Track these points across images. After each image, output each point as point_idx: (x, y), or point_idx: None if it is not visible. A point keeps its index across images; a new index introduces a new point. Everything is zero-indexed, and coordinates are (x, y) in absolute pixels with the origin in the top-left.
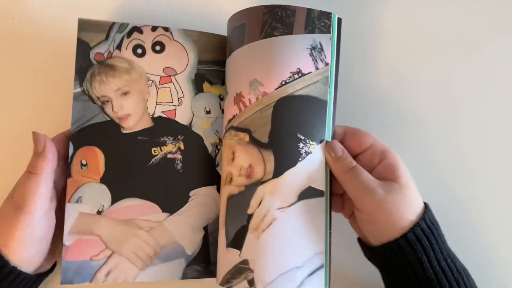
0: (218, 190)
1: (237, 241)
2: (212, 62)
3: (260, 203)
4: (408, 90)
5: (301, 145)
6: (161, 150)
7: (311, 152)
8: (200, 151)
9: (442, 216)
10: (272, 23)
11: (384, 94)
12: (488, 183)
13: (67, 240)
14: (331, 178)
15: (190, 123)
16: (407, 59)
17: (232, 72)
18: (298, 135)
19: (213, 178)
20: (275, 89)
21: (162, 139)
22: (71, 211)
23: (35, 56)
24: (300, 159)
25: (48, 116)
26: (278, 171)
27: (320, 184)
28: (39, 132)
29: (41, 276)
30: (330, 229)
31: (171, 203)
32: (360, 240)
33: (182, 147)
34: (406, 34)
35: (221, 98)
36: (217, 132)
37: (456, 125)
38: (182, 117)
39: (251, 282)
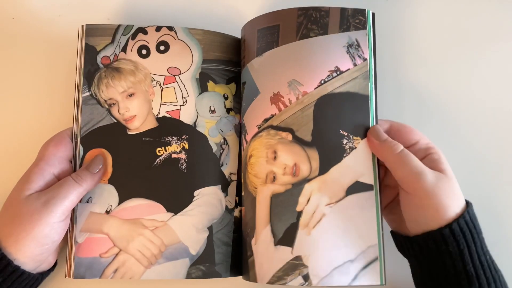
0: (223, 189)
1: (287, 239)
2: (217, 61)
3: (308, 200)
4: (407, 90)
5: (344, 141)
6: (165, 150)
7: (355, 147)
8: (205, 150)
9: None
10: (308, 24)
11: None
12: None
13: (79, 237)
14: (379, 170)
15: (195, 123)
16: (409, 58)
17: (265, 72)
18: (341, 131)
19: (217, 178)
20: (315, 88)
21: (166, 139)
22: (82, 211)
23: (35, 56)
24: (344, 154)
25: (48, 116)
26: (324, 168)
27: (368, 178)
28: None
29: (42, 274)
30: (382, 222)
31: (176, 203)
32: (393, 233)
33: (186, 146)
34: (406, 33)
35: (226, 97)
36: (222, 131)
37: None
38: (186, 117)
39: (306, 277)
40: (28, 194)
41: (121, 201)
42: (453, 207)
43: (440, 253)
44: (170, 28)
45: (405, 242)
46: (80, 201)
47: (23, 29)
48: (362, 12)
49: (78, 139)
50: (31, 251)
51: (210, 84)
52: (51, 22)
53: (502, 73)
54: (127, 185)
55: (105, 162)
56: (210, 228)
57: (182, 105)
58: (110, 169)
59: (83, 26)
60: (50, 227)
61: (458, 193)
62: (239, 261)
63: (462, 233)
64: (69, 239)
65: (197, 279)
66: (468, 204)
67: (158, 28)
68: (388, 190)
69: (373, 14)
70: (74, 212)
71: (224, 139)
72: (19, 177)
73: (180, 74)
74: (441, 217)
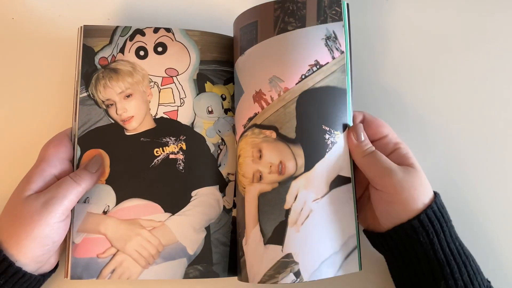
0: (221, 190)
1: (277, 237)
2: (214, 62)
3: (295, 198)
4: (406, 89)
5: (327, 136)
6: (163, 151)
7: (336, 142)
8: (203, 151)
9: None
10: (285, 18)
11: (381, 92)
12: (493, 181)
13: (76, 238)
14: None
15: (192, 123)
16: (406, 59)
17: (248, 71)
18: (323, 126)
19: (215, 178)
20: (296, 83)
21: (164, 139)
22: (80, 211)
23: (35, 56)
24: (327, 150)
25: (48, 116)
26: (309, 165)
27: (347, 171)
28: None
29: (44, 276)
30: (356, 211)
31: (173, 203)
32: (366, 232)
33: (184, 147)
34: (406, 33)
35: (223, 98)
36: (220, 131)
37: (459, 123)
38: (184, 117)
39: (297, 274)
40: (28, 194)
41: (118, 201)
42: (422, 199)
43: (412, 243)
44: (168, 30)
45: (378, 238)
46: (78, 202)
47: (23, 29)
48: (338, 3)
49: (76, 139)
50: (33, 252)
51: (208, 85)
52: (51, 22)
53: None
54: (125, 186)
55: (103, 161)
56: (207, 228)
57: (180, 106)
58: (107, 170)
59: (81, 27)
60: (51, 227)
61: (426, 185)
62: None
63: (431, 223)
64: (68, 239)
65: (195, 279)
66: (436, 194)
67: (156, 30)
68: (358, 187)
69: (347, 4)
70: (72, 212)
71: (222, 139)
72: (18, 177)
73: (177, 75)
74: (411, 209)
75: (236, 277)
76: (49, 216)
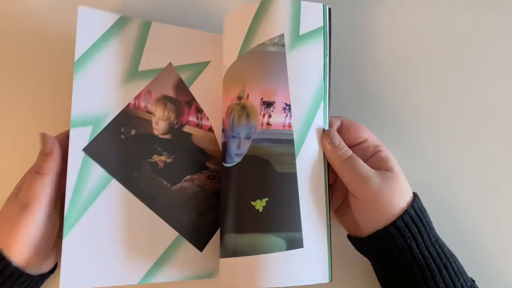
0: None
1: None
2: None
3: None
4: (406, 89)
5: None
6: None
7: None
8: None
9: (434, 209)
10: None
11: (381, 92)
12: (482, 181)
13: None
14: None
15: None
16: (404, 57)
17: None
18: None
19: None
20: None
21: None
22: None
23: (35, 56)
24: None
25: (48, 116)
26: None
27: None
28: (46, 133)
29: (42, 276)
30: (330, 220)
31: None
32: (349, 237)
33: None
34: (404, 32)
35: None
36: None
37: (452, 124)
38: None
39: None
40: (13, 197)
41: None
42: (399, 204)
43: (390, 248)
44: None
45: (360, 244)
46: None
47: (23, 29)
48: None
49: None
50: (24, 254)
51: None
52: (51, 22)
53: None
54: None
55: (52, 138)
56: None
57: None
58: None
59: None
60: (35, 227)
61: (405, 189)
62: None
63: (407, 227)
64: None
65: (195, 280)
66: (415, 197)
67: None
68: (339, 193)
69: (329, 9)
70: (62, 201)
71: None
72: (18, 177)
73: None
74: (388, 215)
75: None
76: (31, 217)
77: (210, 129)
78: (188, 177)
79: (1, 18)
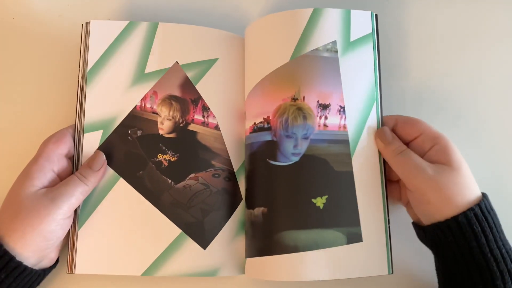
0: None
1: None
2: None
3: None
4: (406, 89)
5: None
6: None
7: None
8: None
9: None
10: None
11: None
12: None
13: None
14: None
15: None
16: (415, 58)
17: None
18: None
19: None
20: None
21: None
22: None
23: (35, 56)
24: None
25: (49, 116)
26: None
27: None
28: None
29: (45, 271)
30: (388, 215)
31: None
32: (413, 223)
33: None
34: (409, 33)
35: None
36: None
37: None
38: None
39: None
40: (33, 190)
41: None
42: (459, 199)
43: (449, 243)
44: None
45: (420, 232)
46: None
47: (23, 29)
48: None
49: (82, 136)
50: (37, 246)
51: None
52: (51, 22)
53: (506, 71)
54: None
55: (105, 159)
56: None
57: None
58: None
59: (87, 23)
60: (56, 223)
61: (466, 184)
62: None
63: (470, 225)
64: (71, 235)
65: (195, 277)
66: (484, 196)
67: None
68: (402, 186)
69: (376, 15)
70: (77, 210)
71: None
72: (18, 174)
73: None
74: (445, 210)
75: (236, 276)
76: (56, 213)
77: (216, 127)
78: (192, 175)
79: (1, 18)
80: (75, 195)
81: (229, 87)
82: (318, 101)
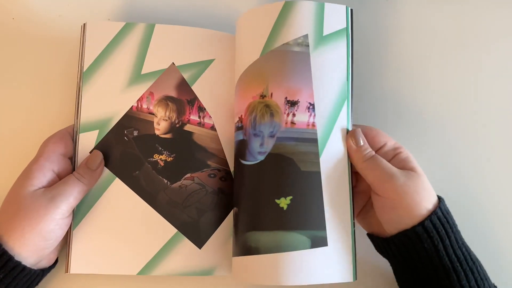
0: None
1: None
2: None
3: None
4: (406, 90)
5: None
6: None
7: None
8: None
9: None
10: None
11: (384, 94)
12: (497, 181)
13: None
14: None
15: None
16: (408, 59)
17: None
18: None
19: None
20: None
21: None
22: None
23: (35, 56)
24: None
25: (49, 116)
26: None
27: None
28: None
29: (43, 270)
30: (354, 219)
31: None
32: (370, 235)
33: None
34: (407, 33)
35: None
36: None
37: (463, 122)
38: None
39: None
40: (32, 190)
41: None
42: (425, 204)
43: (417, 250)
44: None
45: (382, 244)
46: None
47: (23, 29)
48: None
49: (78, 136)
50: (36, 245)
51: None
52: (51, 22)
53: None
54: None
55: (102, 158)
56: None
57: None
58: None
59: (84, 24)
60: (55, 222)
61: (429, 190)
62: None
63: (436, 229)
64: (69, 235)
65: (193, 276)
66: (440, 199)
67: None
68: (361, 196)
69: (351, 10)
70: (73, 211)
71: None
72: (18, 174)
73: None
74: (414, 215)
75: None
76: (55, 212)
77: (212, 127)
78: (188, 175)
79: (1, 18)
80: (74, 195)
81: (225, 88)
82: (286, 98)
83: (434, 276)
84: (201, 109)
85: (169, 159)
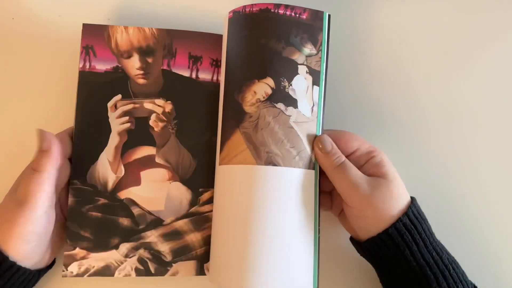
0: None
1: None
2: None
3: None
4: (407, 90)
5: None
6: None
7: None
8: None
9: (436, 213)
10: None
11: (382, 94)
12: (479, 182)
13: None
14: (320, 175)
15: None
16: (404, 60)
17: None
18: None
19: None
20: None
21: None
22: None
23: (35, 56)
24: None
25: (49, 116)
26: None
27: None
28: (44, 130)
29: (40, 271)
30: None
31: None
32: (352, 239)
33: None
34: (405, 34)
35: None
36: None
37: (449, 126)
38: None
39: None
40: (11, 194)
41: None
42: (391, 211)
43: (385, 255)
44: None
45: (358, 248)
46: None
47: (23, 29)
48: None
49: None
50: (21, 250)
51: None
52: (51, 22)
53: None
54: None
55: (50, 134)
56: None
57: None
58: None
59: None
60: (31, 223)
61: (399, 195)
62: None
63: (400, 236)
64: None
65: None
66: (412, 201)
67: None
68: (339, 198)
69: (329, 16)
70: (62, 195)
71: None
72: (19, 174)
73: None
74: (379, 223)
75: None
76: (28, 213)
77: None
78: None
79: (1, 18)
80: (35, 186)
81: None
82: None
83: (406, 280)
84: None
85: None
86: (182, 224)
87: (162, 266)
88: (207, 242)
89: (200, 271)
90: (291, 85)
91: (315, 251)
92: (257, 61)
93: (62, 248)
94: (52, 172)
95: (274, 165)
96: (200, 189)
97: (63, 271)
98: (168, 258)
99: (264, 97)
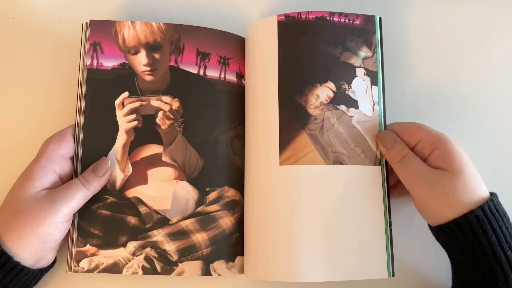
0: None
1: None
2: None
3: None
4: (407, 91)
5: None
6: None
7: None
8: None
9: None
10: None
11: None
12: None
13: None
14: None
15: None
16: (410, 59)
17: None
18: None
19: None
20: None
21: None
22: None
23: (35, 56)
24: None
25: (49, 116)
26: None
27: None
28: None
29: (42, 270)
30: (390, 217)
31: None
32: (429, 224)
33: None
34: (407, 34)
35: None
36: None
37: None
38: None
39: None
40: (34, 191)
41: None
42: (459, 204)
43: (453, 244)
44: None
45: (432, 232)
46: None
47: (23, 29)
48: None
49: (81, 135)
50: (34, 247)
51: None
52: (51, 22)
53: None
54: None
55: (110, 165)
56: None
57: None
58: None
59: (87, 22)
60: (55, 225)
61: (467, 187)
62: None
63: (471, 228)
64: (71, 235)
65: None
66: (491, 196)
67: None
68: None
69: (380, 18)
70: (75, 214)
71: None
72: (19, 174)
73: None
74: (444, 215)
75: (235, 276)
76: (55, 215)
77: None
78: None
79: (1, 18)
80: (76, 199)
81: None
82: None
83: (471, 271)
84: None
85: None
86: (188, 223)
87: (168, 265)
88: (213, 242)
89: (206, 271)
90: (351, 87)
91: (387, 242)
92: (318, 66)
93: (63, 247)
94: (94, 192)
95: (341, 163)
96: (207, 189)
97: (75, 266)
98: (174, 257)
99: (327, 100)
